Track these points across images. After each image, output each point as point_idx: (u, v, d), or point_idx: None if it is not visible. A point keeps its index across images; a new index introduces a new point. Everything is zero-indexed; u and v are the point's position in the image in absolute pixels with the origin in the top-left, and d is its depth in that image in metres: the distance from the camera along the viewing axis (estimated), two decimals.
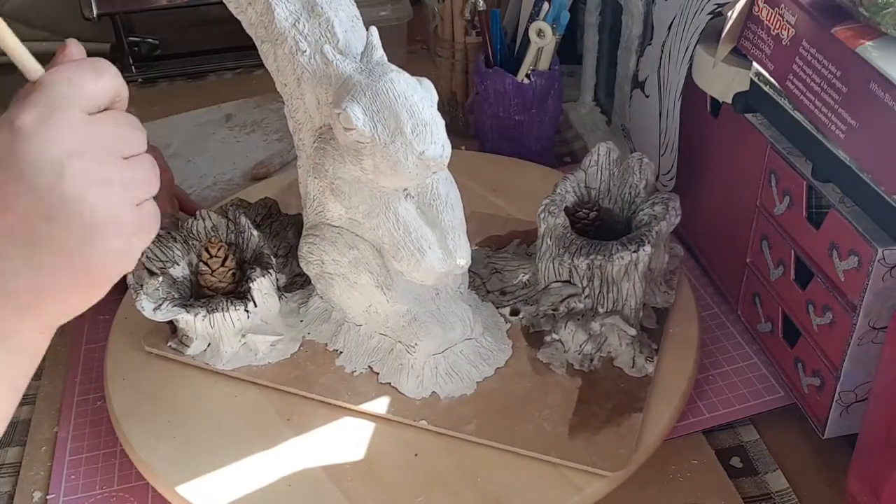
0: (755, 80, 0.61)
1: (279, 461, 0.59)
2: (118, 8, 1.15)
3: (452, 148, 0.70)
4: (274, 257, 0.69)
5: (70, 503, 0.61)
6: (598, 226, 0.68)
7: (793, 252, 0.60)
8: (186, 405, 0.64)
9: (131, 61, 1.20)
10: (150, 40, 1.22)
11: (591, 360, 0.63)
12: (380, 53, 0.55)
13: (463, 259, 0.59)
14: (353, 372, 0.64)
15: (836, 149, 0.53)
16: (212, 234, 0.70)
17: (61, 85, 0.42)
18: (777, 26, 0.57)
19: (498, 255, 0.73)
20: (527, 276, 0.69)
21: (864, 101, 0.49)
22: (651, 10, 0.78)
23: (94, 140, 0.43)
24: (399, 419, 0.61)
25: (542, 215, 0.66)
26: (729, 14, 0.61)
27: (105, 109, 0.44)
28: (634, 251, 0.61)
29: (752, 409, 0.64)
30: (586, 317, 0.64)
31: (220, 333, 0.65)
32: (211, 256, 0.67)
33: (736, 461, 0.61)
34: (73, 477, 0.62)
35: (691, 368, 0.63)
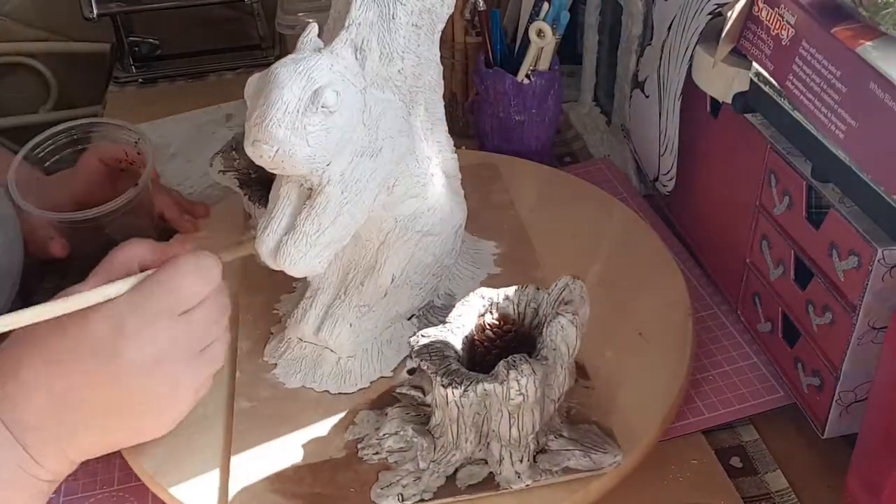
0: (755, 80, 0.61)
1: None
2: (118, 8, 1.14)
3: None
4: None
5: (70, 503, 0.61)
6: (499, 354, 0.56)
7: (792, 252, 0.60)
8: None
9: (131, 61, 1.20)
10: (150, 40, 1.22)
11: (377, 453, 0.58)
12: (330, 48, 0.54)
13: (283, 263, 0.57)
14: (274, 310, 0.70)
15: (836, 149, 0.53)
16: None
17: (161, 295, 0.52)
18: (777, 26, 0.57)
19: None
20: None
21: (863, 101, 0.49)
22: (651, 10, 0.78)
23: (180, 342, 0.52)
24: (238, 360, 0.65)
25: (460, 302, 0.59)
26: (729, 14, 0.61)
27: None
28: (443, 386, 0.53)
29: (752, 408, 0.64)
30: (419, 418, 0.58)
31: (255, 220, 0.73)
32: None
33: (736, 461, 0.61)
34: (73, 477, 0.62)
35: (686, 367, 0.63)
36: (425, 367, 0.54)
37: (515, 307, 0.59)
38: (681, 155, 0.75)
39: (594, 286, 0.66)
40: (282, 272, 0.68)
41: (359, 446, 0.59)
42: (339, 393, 0.63)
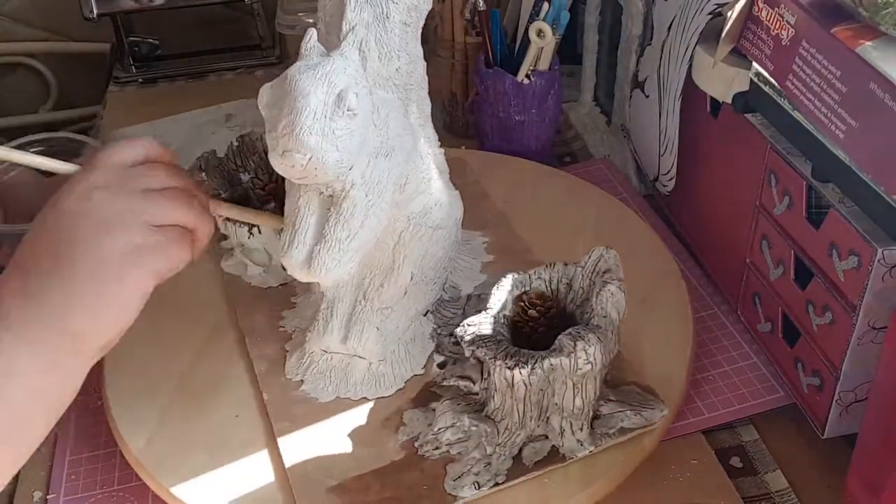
0: (755, 80, 0.61)
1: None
2: (118, 8, 1.14)
3: (452, 148, 0.70)
4: None
5: (70, 503, 0.61)
6: (550, 332, 0.57)
7: (792, 252, 0.60)
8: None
9: (131, 61, 1.20)
10: (150, 40, 1.22)
11: (437, 448, 0.58)
12: (338, 51, 0.54)
13: (319, 273, 0.57)
14: (281, 327, 0.69)
15: (836, 149, 0.53)
16: None
17: (104, 153, 0.53)
18: (777, 26, 0.57)
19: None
20: None
21: (863, 101, 0.49)
22: (651, 10, 0.78)
23: (119, 179, 0.52)
24: (260, 381, 0.64)
25: (494, 286, 0.60)
26: (729, 14, 0.61)
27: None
28: (509, 368, 0.54)
29: (752, 408, 0.64)
30: (470, 407, 0.59)
31: (232, 239, 0.73)
32: (257, 177, 0.75)
33: (736, 461, 0.61)
34: (73, 477, 0.62)
35: (686, 368, 0.63)
36: (481, 355, 0.55)
37: (548, 285, 0.61)
38: (681, 155, 0.75)
39: None
40: (273, 290, 0.71)
41: (416, 445, 0.59)
42: (378, 398, 0.63)
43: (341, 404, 0.62)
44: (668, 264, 0.73)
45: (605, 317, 0.56)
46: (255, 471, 0.59)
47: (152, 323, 0.66)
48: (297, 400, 0.63)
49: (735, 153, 0.68)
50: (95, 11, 1.11)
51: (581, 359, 0.53)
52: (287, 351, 0.66)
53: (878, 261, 0.51)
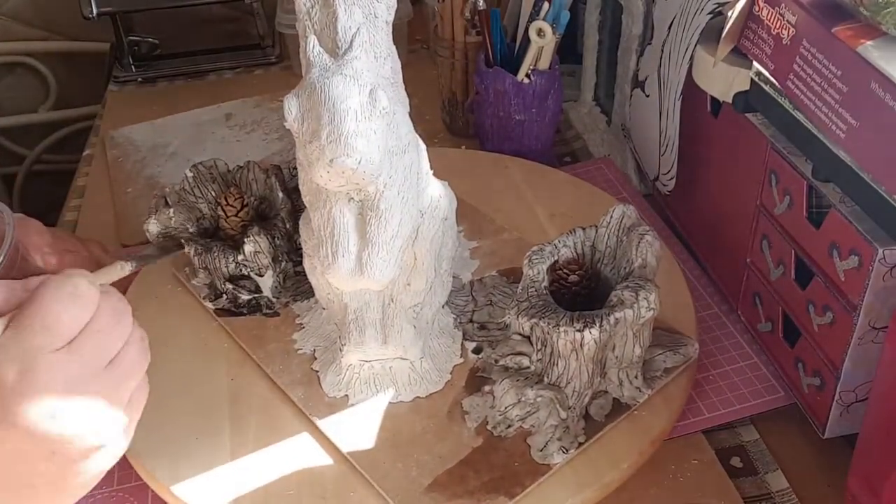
0: (755, 79, 0.61)
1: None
2: (118, 7, 1.14)
3: (452, 147, 0.70)
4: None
5: None
6: (588, 293, 0.62)
7: (793, 252, 0.60)
8: (166, 334, 0.70)
9: (131, 61, 1.20)
10: (150, 40, 1.22)
11: (509, 426, 0.59)
12: (352, 54, 0.54)
13: (373, 278, 0.57)
14: (298, 349, 0.67)
15: (837, 148, 0.52)
16: (252, 184, 0.76)
17: (35, 331, 0.42)
18: (777, 26, 0.57)
19: (504, 287, 0.71)
20: (510, 319, 0.63)
21: (864, 100, 0.49)
22: (651, 9, 0.78)
23: (75, 372, 0.43)
24: (301, 408, 0.62)
25: (525, 261, 0.62)
26: (729, 14, 0.61)
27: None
28: (578, 331, 0.55)
29: (752, 409, 0.64)
30: (528, 381, 0.59)
31: (212, 273, 0.71)
32: (227, 204, 0.72)
33: (736, 461, 0.61)
34: None
35: (690, 368, 0.63)
36: (545, 325, 0.56)
37: (573, 251, 0.63)
38: (681, 155, 0.75)
39: None
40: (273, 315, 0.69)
41: (489, 428, 0.59)
42: (431, 394, 0.63)
43: (396, 408, 0.62)
44: (668, 264, 0.72)
45: (644, 267, 0.59)
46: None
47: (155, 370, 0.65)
48: (350, 415, 0.62)
49: (735, 153, 0.68)
50: (95, 11, 1.12)
51: (644, 307, 0.56)
52: (315, 371, 0.65)
53: (879, 261, 0.51)
